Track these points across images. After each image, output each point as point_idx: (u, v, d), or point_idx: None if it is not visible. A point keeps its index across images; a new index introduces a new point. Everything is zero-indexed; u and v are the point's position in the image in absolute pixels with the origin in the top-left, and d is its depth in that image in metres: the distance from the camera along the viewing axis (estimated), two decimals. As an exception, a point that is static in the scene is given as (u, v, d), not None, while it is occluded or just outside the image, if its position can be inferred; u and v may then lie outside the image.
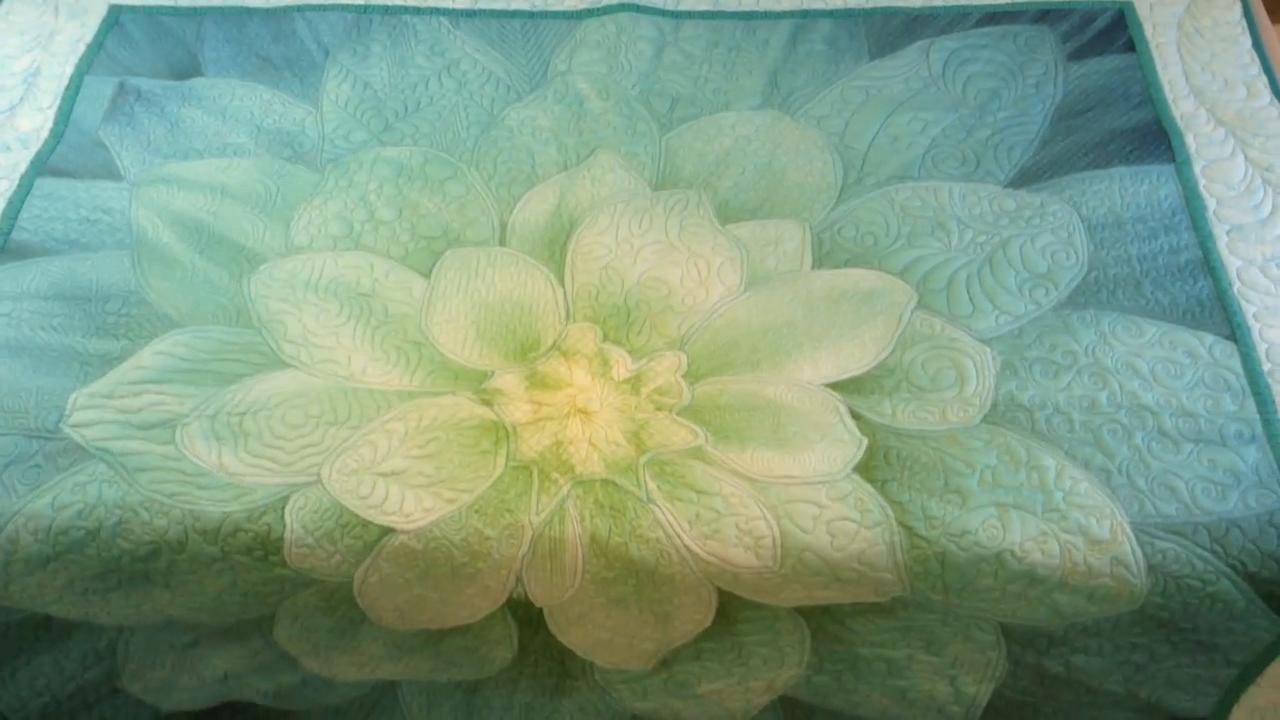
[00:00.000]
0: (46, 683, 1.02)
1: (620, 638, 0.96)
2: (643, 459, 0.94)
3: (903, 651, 0.95)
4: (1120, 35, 1.23)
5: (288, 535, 0.92)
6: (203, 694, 1.04)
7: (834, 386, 0.98)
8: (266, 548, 0.92)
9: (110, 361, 1.01)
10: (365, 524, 0.92)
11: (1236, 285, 1.01)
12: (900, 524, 0.90)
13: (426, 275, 1.07)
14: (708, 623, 0.94)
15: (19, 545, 0.92)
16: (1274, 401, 0.93)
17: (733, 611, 0.94)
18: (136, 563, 0.93)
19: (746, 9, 1.31)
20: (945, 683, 0.96)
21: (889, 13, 1.29)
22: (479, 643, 0.98)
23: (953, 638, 0.94)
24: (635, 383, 0.99)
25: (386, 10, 1.32)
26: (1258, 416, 0.93)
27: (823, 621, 0.95)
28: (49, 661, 1.01)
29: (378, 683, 1.04)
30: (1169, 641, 0.91)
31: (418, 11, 1.32)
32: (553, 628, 0.96)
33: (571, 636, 0.96)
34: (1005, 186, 1.10)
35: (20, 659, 1.01)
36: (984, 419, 0.95)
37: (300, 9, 1.33)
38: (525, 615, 0.96)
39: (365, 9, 1.33)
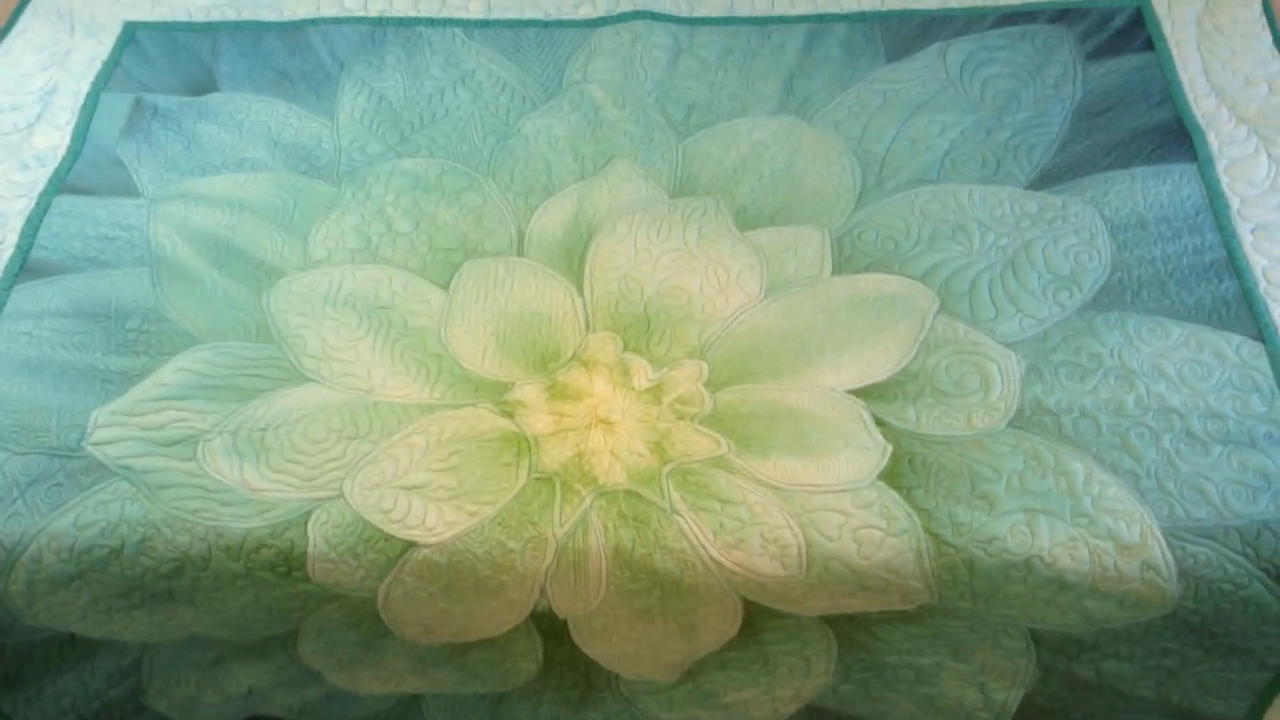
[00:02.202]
0: (72, 700, 1.02)
1: (645, 649, 0.95)
2: (665, 469, 0.94)
3: (930, 659, 0.94)
4: (1139, 34, 1.23)
5: (311, 551, 0.91)
6: (227, 710, 1.04)
7: (856, 393, 0.97)
8: (290, 563, 0.92)
9: (131, 379, 1.01)
10: (388, 538, 0.91)
11: (1262, 284, 1.00)
12: (927, 531, 0.89)
13: (445, 287, 1.06)
14: (733, 633, 0.94)
15: (42, 564, 0.92)
16: (1304, 402, 0.92)
17: (758, 621, 0.94)
18: (160, 580, 0.93)
19: (761, 14, 1.30)
20: (974, 690, 0.95)
21: (904, 15, 1.28)
22: (504, 656, 0.97)
23: (981, 645, 0.93)
24: (656, 392, 0.99)
25: (400, 22, 1.32)
26: (1288, 417, 0.91)
27: (849, 630, 0.94)
28: (74, 679, 1.01)
29: (402, 696, 1.03)
30: (1201, 646, 0.90)
31: (431, 23, 1.32)
32: (577, 640, 0.95)
33: (596, 648, 0.96)
34: (1026, 188, 1.09)
35: (46, 677, 1.01)
36: (1010, 424, 0.94)
37: (314, 22, 1.33)
38: (550, 628, 0.95)
39: (379, 21, 1.33)
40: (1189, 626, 0.89)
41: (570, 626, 0.94)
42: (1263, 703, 0.93)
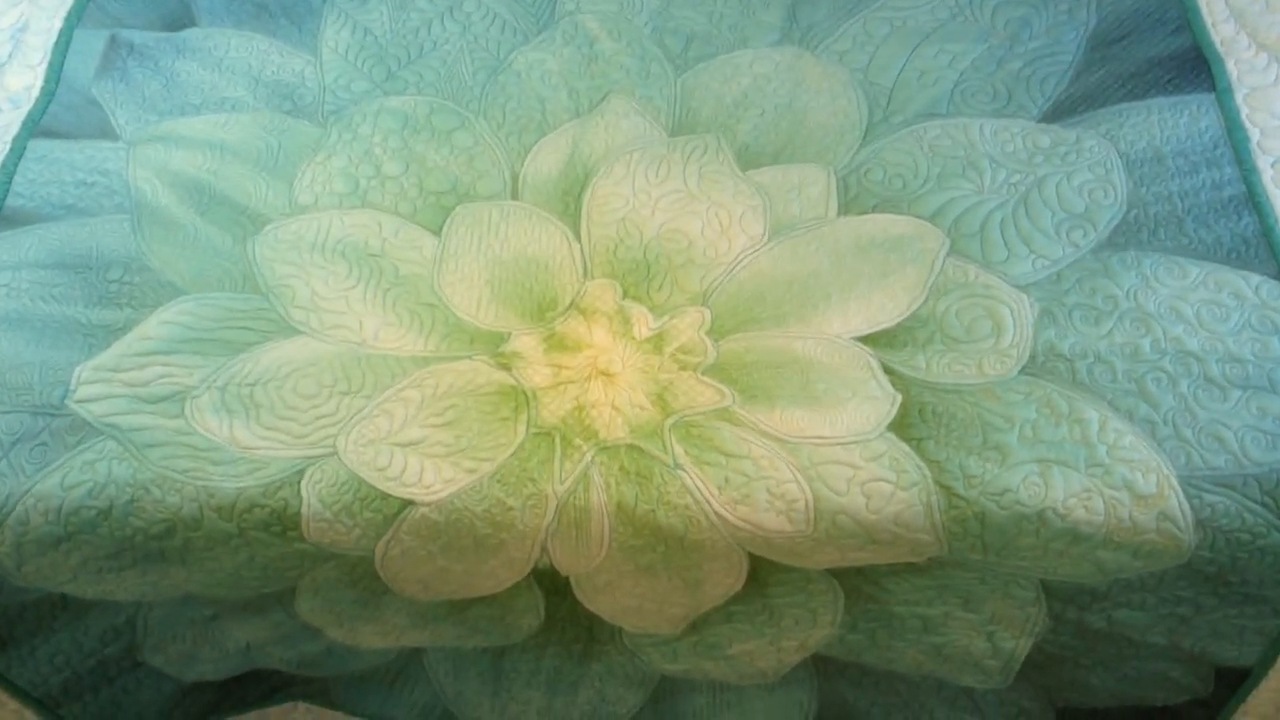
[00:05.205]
0: (66, 659, 1.01)
1: (649, 604, 0.94)
2: (668, 422, 0.91)
3: (939, 609, 0.93)
4: (1154, -45, 1.17)
5: (305, 510, 0.89)
6: (225, 664, 1.03)
7: (864, 340, 0.94)
8: (284, 523, 0.90)
9: (114, 332, 0.97)
10: (384, 496, 0.89)
11: (1284, 221, 0.96)
12: (938, 484, 0.87)
13: (437, 233, 1.03)
14: (738, 587, 0.92)
15: (29, 527, 0.90)
16: (1327, 344, 0.89)
17: (764, 574, 0.92)
18: (151, 541, 0.91)
19: (762, -63, 1.24)
20: (983, 639, 0.94)
21: (911, -63, 1.22)
22: (505, 611, 0.96)
23: (991, 595, 0.91)
24: (658, 341, 0.96)
25: (384, -50, 1.26)
26: (1309, 360, 0.89)
27: (856, 582, 0.93)
28: (67, 638, 1.00)
29: (403, 649, 1.02)
30: (1215, 594, 0.89)
31: (417, -50, 1.26)
32: (579, 595, 0.94)
33: (599, 604, 0.94)
34: (1039, 121, 1.05)
35: (38, 637, 0.99)
36: (1022, 370, 0.91)
37: (295, -49, 1.27)
38: (551, 584, 0.94)
39: (363, -51, 1.27)
40: (1204, 576, 0.87)
41: (572, 583, 0.93)
42: (1275, 649, 0.92)
